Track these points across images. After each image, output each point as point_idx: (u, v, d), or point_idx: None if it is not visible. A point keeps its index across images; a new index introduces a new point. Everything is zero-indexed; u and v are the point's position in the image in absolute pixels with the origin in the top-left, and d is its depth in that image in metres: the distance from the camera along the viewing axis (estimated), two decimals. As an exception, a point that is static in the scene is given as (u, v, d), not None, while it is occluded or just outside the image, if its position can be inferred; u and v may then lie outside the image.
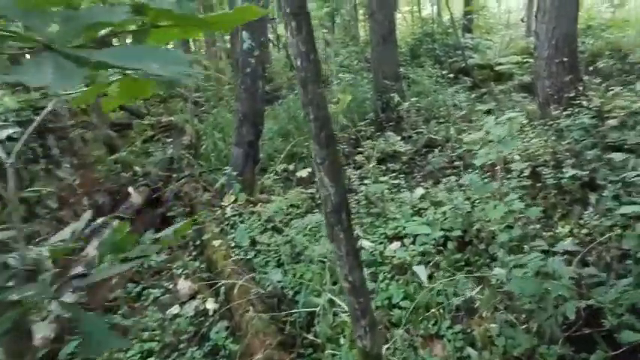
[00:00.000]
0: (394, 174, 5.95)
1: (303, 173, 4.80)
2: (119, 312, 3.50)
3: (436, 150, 6.28)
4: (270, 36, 14.68)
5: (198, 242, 4.27)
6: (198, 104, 11.02)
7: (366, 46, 13.82)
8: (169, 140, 7.49)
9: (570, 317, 2.12)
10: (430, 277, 3.34)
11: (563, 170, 4.03)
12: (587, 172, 3.77)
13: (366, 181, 5.33)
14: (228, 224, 4.45)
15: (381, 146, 6.40)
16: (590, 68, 8.11)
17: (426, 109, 8.18)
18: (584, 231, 3.40)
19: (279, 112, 9.03)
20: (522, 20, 16.70)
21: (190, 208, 5.24)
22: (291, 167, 5.29)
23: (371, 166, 5.55)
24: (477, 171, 4.27)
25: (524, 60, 9.52)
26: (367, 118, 8.00)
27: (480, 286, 2.38)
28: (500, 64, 10.28)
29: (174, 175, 6.52)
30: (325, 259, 3.59)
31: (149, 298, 3.67)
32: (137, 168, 7.09)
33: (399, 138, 6.64)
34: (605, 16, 12.95)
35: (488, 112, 7.94)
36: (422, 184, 5.49)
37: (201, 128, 8.39)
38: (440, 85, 9.18)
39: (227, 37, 15.77)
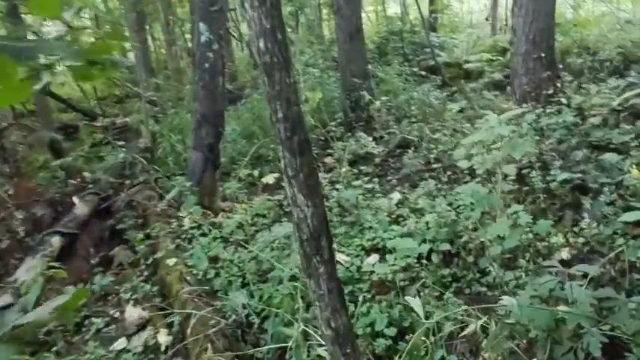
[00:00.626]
0: (367, 177, 5.57)
1: (269, 179, 4.35)
2: (53, 349, 2.96)
3: (410, 151, 5.94)
4: (234, 32, 14.09)
5: (150, 260, 3.75)
6: (155, 104, 10.37)
7: (331, 45, 13.45)
8: (121, 143, 6.87)
9: (595, 354, 1.77)
10: (418, 295, 2.95)
11: (551, 172, 3.74)
12: (579, 175, 3.48)
13: (337, 186, 4.93)
14: (185, 238, 3.95)
15: (352, 147, 6.01)
16: (561, 66, 7.99)
17: (397, 107, 7.87)
18: (581, 240, 3.10)
19: (243, 112, 8.52)
20: (487, 19, 16.76)
21: (143, 219, 4.69)
22: (256, 172, 4.81)
23: (343, 170, 5.15)
24: (464, 176, 3.93)
25: (495, 57, 9.36)
26: (336, 118, 7.60)
27: (481, 320, 2.00)
28: (468, 61, 10.10)
29: (128, 182, 5.93)
30: (297, 276, 3.16)
31: (91, 330, 3.13)
32: (87, 174, 6.46)
33: (370, 139, 6.26)
34: (567, 15, 13.05)
35: (461, 111, 7.71)
36: (398, 188, 5.13)
37: (158, 130, 7.80)
38: (409, 84, 8.89)
39: (188, 36, 15.06)
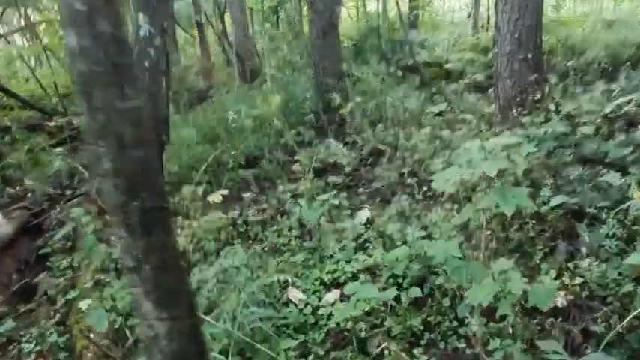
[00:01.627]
0: (336, 189, 5.01)
1: (216, 197, 3.75)
2: None
3: (384, 159, 5.39)
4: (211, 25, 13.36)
5: (65, 298, 3.12)
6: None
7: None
8: (60, 150, 6.18)
9: None
10: (381, 355, 2.40)
11: (541, 194, 3.22)
12: (575, 201, 2.96)
13: (301, 200, 4.36)
14: (112, 269, 3.33)
15: (320, 156, 5.43)
16: (545, 67, 7.54)
17: (372, 110, 7.33)
18: (578, 280, 2.58)
19: (208, 112, 7.87)
20: (469, 16, 16.33)
21: (73, 242, 4.05)
22: (204, 187, 4.20)
23: (307, 185, 4.57)
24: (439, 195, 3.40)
25: (476, 57, 8.87)
26: (306, 120, 7.03)
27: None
28: (449, 61, 9.60)
29: (68, 194, 5.27)
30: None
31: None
32: (30, 182, 5.76)
33: (341, 145, 5.68)
34: (549, 15, 12.68)
35: (440, 114, 7.20)
36: (368, 203, 4.58)
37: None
38: (387, 84, 8.35)
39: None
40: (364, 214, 4.07)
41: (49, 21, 12.61)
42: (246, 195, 5.28)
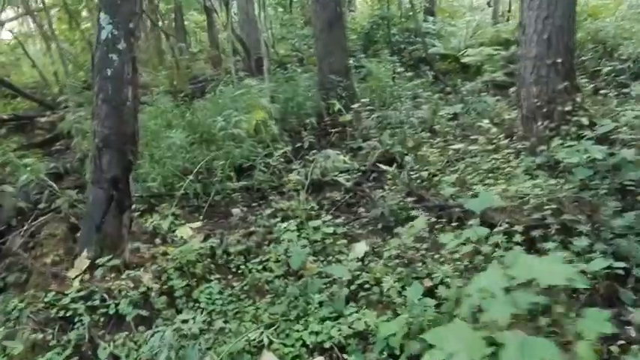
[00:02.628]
0: (333, 209, 4.46)
1: (185, 232, 3.21)
2: None
3: (389, 174, 4.79)
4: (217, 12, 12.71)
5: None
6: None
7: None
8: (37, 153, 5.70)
9: None
10: None
11: (575, 242, 2.61)
12: (623, 265, 2.34)
13: (292, 224, 3.81)
14: (65, 316, 2.85)
15: (317, 169, 4.84)
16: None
17: (379, 108, 6.70)
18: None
19: (206, 109, 7.28)
20: (488, 4, 15.38)
21: (29, 274, 3.56)
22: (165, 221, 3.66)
23: (301, 207, 4.01)
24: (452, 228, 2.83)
25: (496, 52, 8.13)
26: (307, 123, 6.43)
27: None
28: (466, 54, 8.89)
29: (39, 209, 4.78)
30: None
31: None
32: (10, 189, 5.28)
33: (341, 157, 5.06)
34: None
35: (454, 116, 6.54)
36: (367, 229, 4.01)
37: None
38: (398, 80, 7.67)
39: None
40: (361, 248, 3.51)
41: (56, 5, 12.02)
42: (235, 210, 4.74)
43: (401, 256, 3.16)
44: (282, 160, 5.27)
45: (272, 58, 10.99)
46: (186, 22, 14.10)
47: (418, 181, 4.55)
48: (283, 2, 16.16)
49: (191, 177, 4.72)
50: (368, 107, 6.35)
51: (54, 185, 4.62)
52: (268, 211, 4.29)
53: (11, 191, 4.89)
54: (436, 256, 3.10)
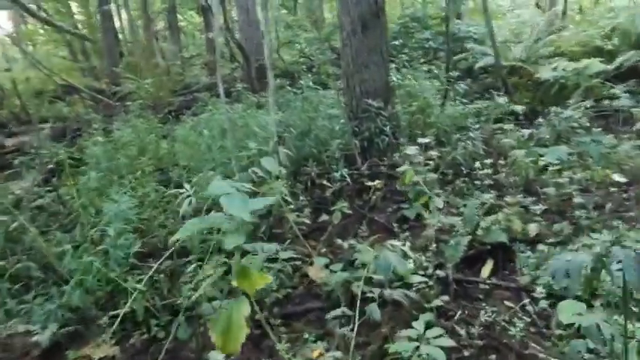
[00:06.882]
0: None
1: None
2: None
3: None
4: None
5: None
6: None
7: (332, 33, 9.85)
8: None
9: None
10: None
11: None
12: None
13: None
14: None
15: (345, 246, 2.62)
16: None
17: (436, 149, 4.48)
18: None
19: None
20: (537, 5, 12.97)
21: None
22: None
23: None
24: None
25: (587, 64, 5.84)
26: (335, 170, 4.22)
27: None
28: (539, 67, 6.64)
29: None
30: None
31: None
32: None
33: (410, 254, 2.82)
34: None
35: (545, 168, 4.26)
36: None
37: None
38: (451, 110, 5.40)
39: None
40: None
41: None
42: None
43: None
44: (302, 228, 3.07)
45: (276, 65, 8.86)
46: (183, 23, 12.05)
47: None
48: (287, 4, 14.00)
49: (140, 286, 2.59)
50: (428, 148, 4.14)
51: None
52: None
53: None
54: None
